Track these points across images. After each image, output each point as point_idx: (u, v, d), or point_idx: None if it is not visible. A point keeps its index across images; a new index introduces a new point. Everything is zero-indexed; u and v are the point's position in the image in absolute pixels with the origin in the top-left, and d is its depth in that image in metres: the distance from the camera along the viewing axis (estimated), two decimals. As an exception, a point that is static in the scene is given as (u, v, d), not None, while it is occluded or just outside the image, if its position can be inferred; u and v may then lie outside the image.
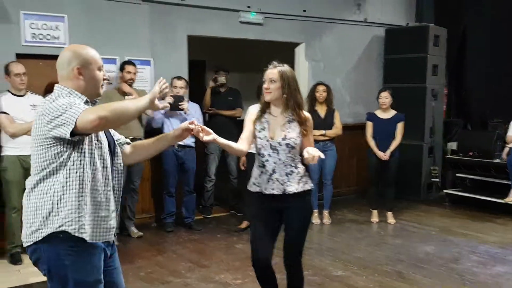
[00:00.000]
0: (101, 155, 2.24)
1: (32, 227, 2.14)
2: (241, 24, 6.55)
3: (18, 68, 4.61)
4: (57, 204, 2.11)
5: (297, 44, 7.24)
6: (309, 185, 3.18)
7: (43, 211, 2.12)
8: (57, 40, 5.25)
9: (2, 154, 4.62)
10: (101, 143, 2.26)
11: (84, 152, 2.15)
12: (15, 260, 4.65)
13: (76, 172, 2.13)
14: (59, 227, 2.10)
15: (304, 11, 7.03)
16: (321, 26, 7.28)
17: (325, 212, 6.23)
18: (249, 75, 8.48)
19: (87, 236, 2.15)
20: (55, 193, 2.11)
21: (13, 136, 4.51)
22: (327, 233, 5.86)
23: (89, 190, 2.17)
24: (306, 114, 3.15)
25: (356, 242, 5.46)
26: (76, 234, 2.12)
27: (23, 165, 4.54)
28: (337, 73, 7.47)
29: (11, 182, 4.57)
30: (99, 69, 2.30)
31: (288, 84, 3.06)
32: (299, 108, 3.11)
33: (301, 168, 3.14)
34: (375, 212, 6.26)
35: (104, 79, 2.33)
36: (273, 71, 3.08)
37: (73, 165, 2.13)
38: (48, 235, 2.11)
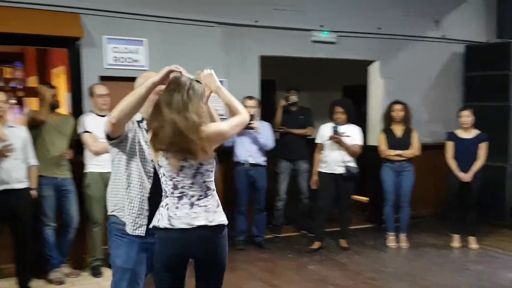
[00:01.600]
0: (140, 160, 2.63)
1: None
2: (313, 43, 6.54)
3: (100, 89, 4.85)
4: (110, 194, 2.74)
5: (370, 62, 7.12)
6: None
7: (108, 198, 2.76)
8: (137, 63, 5.48)
9: (86, 171, 4.83)
10: (144, 151, 2.64)
11: (128, 156, 2.61)
12: (96, 273, 4.84)
13: (124, 171, 2.63)
14: (112, 211, 2.74)
15: (379, 28, 6.91)
16: (396, 43, 7.12)
17: (402, 236, 6.00)
18: (320, 94, 8.43)
19: (127, 225, 2.64)
20: (112, 186, 2.74)
21: (96, 154, 4.71)
22: (404, 257, 5.63)
23: (130, 189, 2.63)
24: None
25: (435, 267, 5.20)
26: (122, 219, 2.66)
27: (105, 182, 4.70)
28: (414, 91, 7.24)
29: (94, 198, 4.78)
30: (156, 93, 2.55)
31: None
32: None
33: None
34: (456, 236, 5.95)
35: None
36: None
37: (123, 165, 2.62)
38: (109, 214, 2.77)
